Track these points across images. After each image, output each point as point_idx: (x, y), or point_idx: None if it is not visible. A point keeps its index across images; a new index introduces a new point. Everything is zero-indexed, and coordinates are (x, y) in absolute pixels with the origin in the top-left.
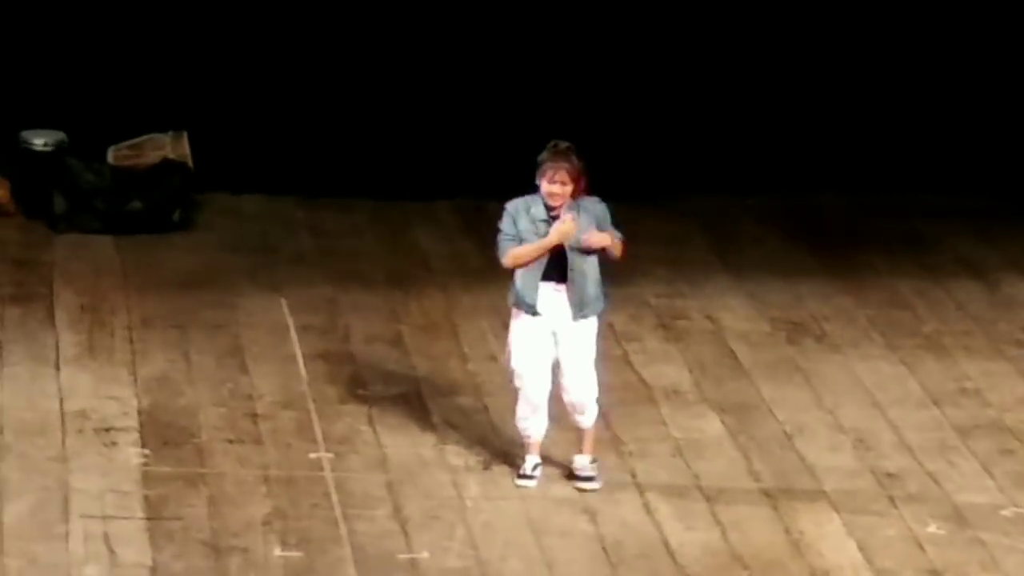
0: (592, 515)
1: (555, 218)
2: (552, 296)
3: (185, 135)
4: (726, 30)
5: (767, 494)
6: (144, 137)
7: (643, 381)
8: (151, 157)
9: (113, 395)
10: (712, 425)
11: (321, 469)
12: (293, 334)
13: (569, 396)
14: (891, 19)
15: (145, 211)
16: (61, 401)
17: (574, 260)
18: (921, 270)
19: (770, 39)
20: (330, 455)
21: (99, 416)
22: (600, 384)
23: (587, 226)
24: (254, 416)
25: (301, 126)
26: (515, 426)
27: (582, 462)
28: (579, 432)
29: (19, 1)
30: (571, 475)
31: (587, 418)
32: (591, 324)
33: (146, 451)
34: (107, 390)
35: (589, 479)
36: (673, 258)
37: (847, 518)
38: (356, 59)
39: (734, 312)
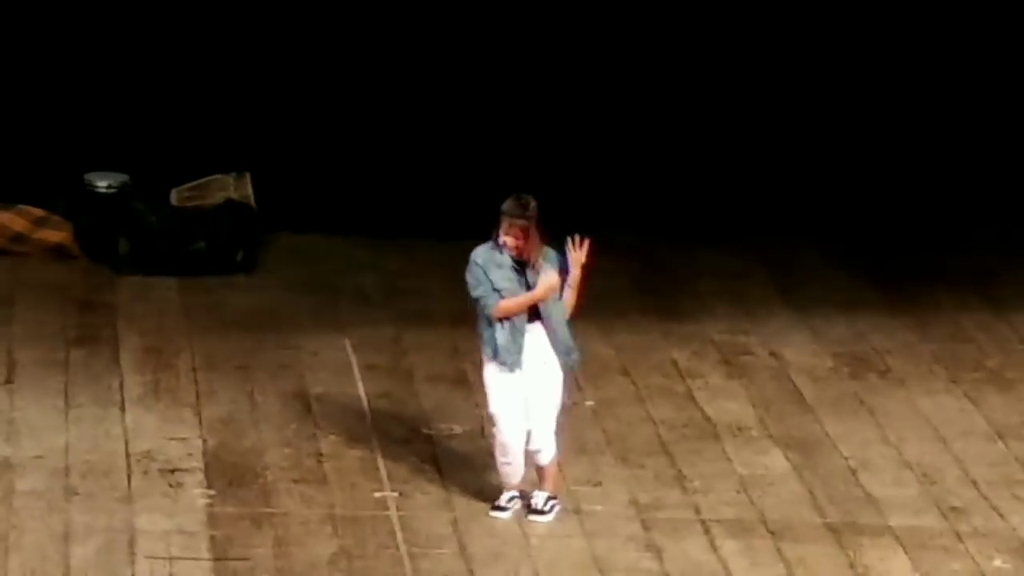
0: (657, 552)
1: (520, 262)
2: (528, 337)
3: (248, 176)
4: (789, 68)
5: (832, 529)
6: (207, 178)
7: (707, 417)
8: (214, 198)
9: (178, 436)
10: (776, 461)
11: (386, 508)
12: (357, 374)
13: (532, 444)
14: (956, 59)
15: (208, 252)
16: (126, 442)
17: (549, 308)
18: (984, 304)
19: (832, 78)
20: (395, 494)
21: (164, 457)
22: (663, 420)
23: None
24: (319, 456)
25: (364, 166)
26: (498, 471)
27: (539, 497)
28: (538, 470)
29: (83, 46)
30: (528, 508)
31: (543, 456)
32: (560, 374)
33: (211, 491)
34: (172, 431)
35: (543, 513)
36: (735, 294)
37: (912, 553)
38: (420, 100)
39: (797, 347)
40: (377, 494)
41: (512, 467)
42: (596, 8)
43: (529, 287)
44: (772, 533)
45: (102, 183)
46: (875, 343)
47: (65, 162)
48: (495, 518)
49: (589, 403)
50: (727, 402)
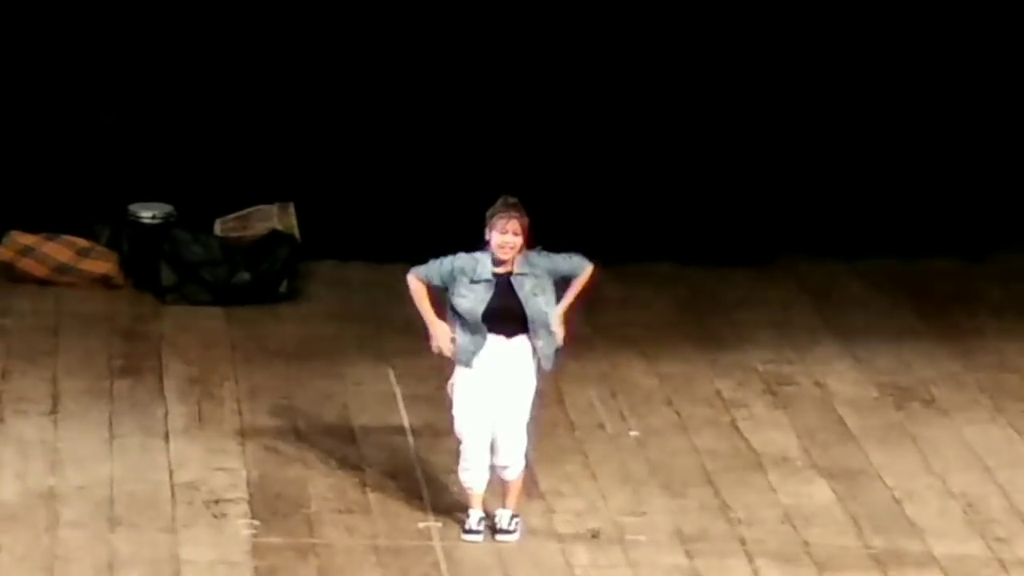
0: None
1: (498, 275)
2: (502, 348)
3: (292, 206)
4: (832, 91)
5: (877, 560)
6: (251, 209)
7: (751, 447)
8: (258, 228)
9: (222, 466)
10: (821, 491)
11: (430, 539)
12: (400, 404)
13: (499, 457)
14: (1004, 86)
15: (253, 282)
16: (171, 473)
17: (534, 312)
18: None
19: (874, 102)
20: (439, 524)
21: (208, 487)
22: (708, 450)
23: (540, 282)
24: (363, 486)
25: (407, 194)
26: (460, 478)
27: (503, 516)
28: (503, 485)
29: (128, 77)
30: (493, 527)
31: (510, 472)
32: (532, 378)
33: (255, 522)
34: (216, 461)
35: (507, 532)
36: (779, 324)
37: None
38: (462, 131)
39: (841, 377)
40: (421, 524)
41: (471, 474)
42: (637, 32)
43: (501, 301)
44: (816, 564)
45: (147, 214)
46: (919, 372)
47: (110, 193)
48: (469, 541)
49: (633, 433)
50: (771, 432)
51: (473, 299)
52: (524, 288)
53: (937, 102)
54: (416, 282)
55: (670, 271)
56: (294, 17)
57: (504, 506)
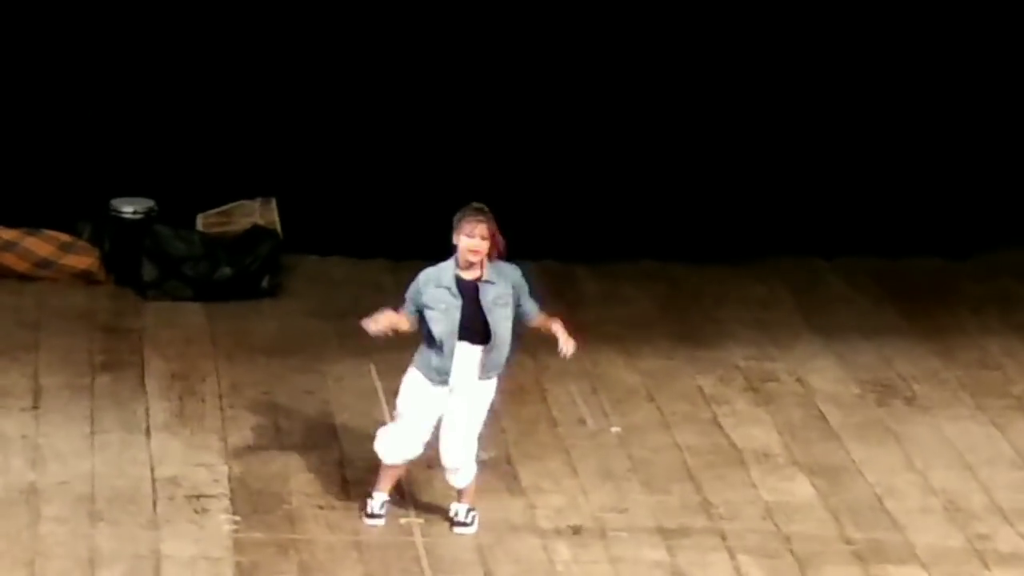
0: None
1: (464, 280)
2: (463, 357)
3: (274, 201)
4: (817, 87)
5: (858, 555)
6: (233, 204)
7: (733, 444)
8: (240, 224)
9: (203, 462)
10: (802, 488)
11: (411, 534)
12: (382, 399)
13: (445, 456)
14: (984, 83)
15: (234, 278)
16: (152, 468)
17: (495, 323)
18: (1010, 330)
19: (855, 100)
20: (420, 520)
21: (190, 483)
22: (689, 446)
23: (504, 293)
24: (344, 482)
25: (388, 190)
26: (375, 448)
27: (460, 510)
28: (456, 491)
29: (108, 71)
30: (450, 520)
31: (461, 478)
32: (491, 385)
33: (237, 518)
34: (197, 457)
35: (464, 524)
36: (761, 320)
37: None
38: (442, 126)
39: (823, 374)
40: (402, 520)
41: (393, 449)
42: (616, 31)
43: (466, 308)
44: (798, 559)
45: (128, 209)
46: (901, 369)
47: (91, 188)
48: (371, 526)
49: (615, 429)
50: (753, 428)
51: (445, 307)
52: (488, 296)
53: (919, 102)
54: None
55: (652, 268)
56: (278, 11)
57: (459, 501)
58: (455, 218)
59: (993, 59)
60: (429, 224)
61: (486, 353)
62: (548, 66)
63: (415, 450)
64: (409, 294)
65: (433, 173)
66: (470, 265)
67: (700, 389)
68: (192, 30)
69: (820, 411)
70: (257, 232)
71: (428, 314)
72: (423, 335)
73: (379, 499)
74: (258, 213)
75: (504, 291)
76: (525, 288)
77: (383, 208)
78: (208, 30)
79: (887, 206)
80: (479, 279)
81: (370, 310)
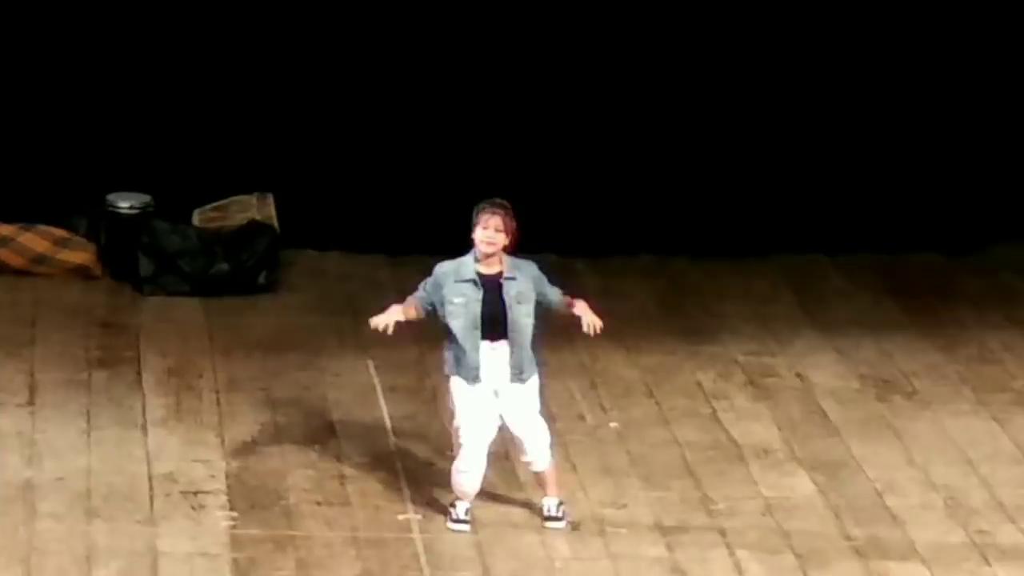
0: (682, 575)
1: (483, 276)
2: (489, 355)
3: (271, 196)
4: (817, 81)
5: (858, 551)
6: (229, 199)
7: (732, 439)
8: (237, 219)
9: (200, 458)
10: (802, 483)
11: (410, 531)
12: (380, 395)
13: (525, 455)
14: (982, 77)
15: (231, 273)
16: (149, 464)
17: (516, 318)
18: (1011, 324)
19: (857, 95)
20: (419, 516)
21: (187, 479)
22: (689, 442)
23: (526, 289)
24: (342, 478)
25: (386, 184)
26: (453, 479)
27: (550, 504)
28: (539, 476)
29: (105, 65)
30: (543, 517)
31: (542, 462)
32: (533, 381)
33: (234, 514)
34: (194, 453)
35: (557, 519)
36: (761, 315)
37: None
38: (440, 120)
39: (823, 369)
40: (400, 516)
41: (468, 476)
42: (616, 26)
43: (486, 303)
44: (798, 555)
45: (124, 204)
46: (901, 364)
47: (87, 183)
48: (457, 531)
49: (613, 425)
50: (752, 424)
51: (465, 300)
52: (511, 292)
53: (920, 97)
54: (410, 299)
55: (651, 262)
56: (274, 5)
57: (547, 495)
58: (474, 210)
59: (994, 54)
60: (428, 219)
61: (510, 352)
62: (549, 60)
63: (482, 459)
64: (427, 287)
65: (432, 167)
66: (487, 258)
67: (700, 384)
68: (188, 22)
69: (820, 406)
70: (254, 227)
71: (448, 309)
72: (445, 335)
73: (463, 507)
74: (255, 208)
75: (525, 287)
76: (543, 279)
77: (381, 202)
78: (204, 22)
79: (888, 202)
80: (500, 275)
81: (368, 306)
